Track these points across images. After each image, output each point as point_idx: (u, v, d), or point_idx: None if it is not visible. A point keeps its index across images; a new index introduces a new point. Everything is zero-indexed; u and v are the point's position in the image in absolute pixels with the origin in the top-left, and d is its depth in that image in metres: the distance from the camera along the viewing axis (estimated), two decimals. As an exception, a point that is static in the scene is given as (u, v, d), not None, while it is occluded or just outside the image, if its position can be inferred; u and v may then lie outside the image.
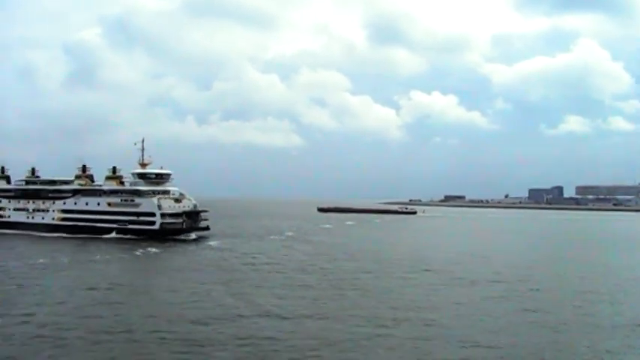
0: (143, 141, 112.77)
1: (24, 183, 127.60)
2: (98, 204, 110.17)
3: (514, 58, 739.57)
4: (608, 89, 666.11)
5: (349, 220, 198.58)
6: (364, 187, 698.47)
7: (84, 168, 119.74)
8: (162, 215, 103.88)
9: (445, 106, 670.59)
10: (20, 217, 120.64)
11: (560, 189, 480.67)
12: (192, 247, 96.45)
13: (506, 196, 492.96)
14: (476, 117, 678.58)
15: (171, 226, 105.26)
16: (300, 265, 75.59)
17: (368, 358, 35.79)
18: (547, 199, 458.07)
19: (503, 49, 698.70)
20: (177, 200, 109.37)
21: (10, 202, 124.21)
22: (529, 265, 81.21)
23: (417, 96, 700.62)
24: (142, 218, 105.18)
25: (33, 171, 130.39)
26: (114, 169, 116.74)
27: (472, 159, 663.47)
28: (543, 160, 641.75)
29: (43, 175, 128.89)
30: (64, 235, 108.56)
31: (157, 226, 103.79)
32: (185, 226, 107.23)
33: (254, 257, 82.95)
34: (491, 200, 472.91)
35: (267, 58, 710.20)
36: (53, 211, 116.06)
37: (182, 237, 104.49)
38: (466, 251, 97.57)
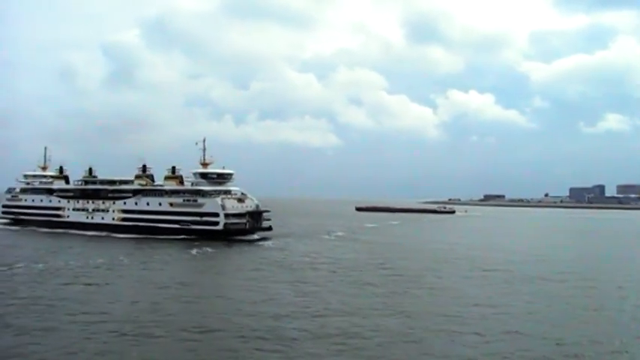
0: (204, 140, 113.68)
1: (83, 183, 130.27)
2: (160, 204, 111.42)
3: (552, 56, 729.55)
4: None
5: (391, 219, 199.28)
6: (401, 186, 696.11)
7: (144, 168, 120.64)
8: (226, 215, 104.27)
9: (482, 104, 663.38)
10: (79, 217, 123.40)
11: (601, 188, 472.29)
12: (246, 246, 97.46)
13: (546, 195, 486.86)
14: (513, 115, 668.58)
15: (235, 227, 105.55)
16: (358, 264, 76.77)
17: (454, 355, 36.67)
18: (588, 198, 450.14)
19: (541, 46, 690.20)
20: (240, 200, 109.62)
21: (69, 202, 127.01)
22: (589, 264, 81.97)
23: (454, 95, 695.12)
24: (205, 219, 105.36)
25: (90, 171, 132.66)
26: (173, 169, 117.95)
27: (510, 157, 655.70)
28: (582, 159, 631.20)
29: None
30: (124, 235, 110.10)
31: (220, 227, 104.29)
32: (248, 227, 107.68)
33: (312, 257, 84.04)
34: (532, 199, 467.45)
35: (305, 57, 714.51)
36: (113, 211, 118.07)
37: (245, 237, 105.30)
38: (520, 250, 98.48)
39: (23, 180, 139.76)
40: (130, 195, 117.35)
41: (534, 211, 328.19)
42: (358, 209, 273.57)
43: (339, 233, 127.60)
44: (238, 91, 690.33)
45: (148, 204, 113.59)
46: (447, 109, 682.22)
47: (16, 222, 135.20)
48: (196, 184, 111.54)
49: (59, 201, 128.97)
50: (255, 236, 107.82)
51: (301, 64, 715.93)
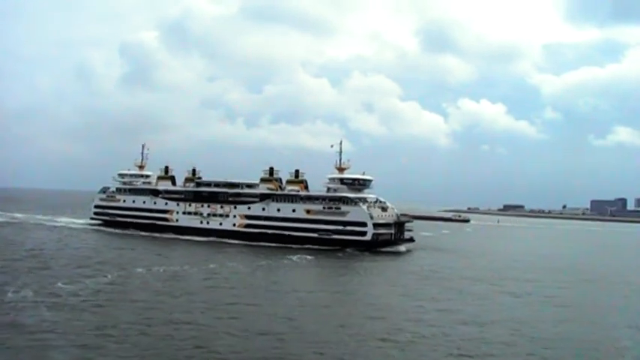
0: (341, 143, 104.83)
1: (195, 185, 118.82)
2: (293, 211, 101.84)
3: (564, 68, 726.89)
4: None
5: (442, 228, 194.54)
6: (413, 193, 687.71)
7: (271, 170, 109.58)
8: (375, 225, 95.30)
9: (494, 114, 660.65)
10: (191, 222, 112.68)
11: (624, 201, 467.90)
12: (340, 253, 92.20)
13: (564, 207, 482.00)
14: (524, 126, 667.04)
15: (383, 237, 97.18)
16: (487, 275, 74.49)
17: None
18: (611, 211, 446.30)
19: (553, 59, 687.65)
20: (383, 209, 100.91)
21: (178, 204, 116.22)
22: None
23: (465, 104, 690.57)
24: (349, 228, 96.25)
25: (194, 172, 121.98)
26: (297, 173, 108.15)
27: (521, 168, 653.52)
28: (595, 171, 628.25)
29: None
30: (245, 242, 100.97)
31: (368, 237, 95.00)
32: (393, 238, 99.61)
33: (426, 266, 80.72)
34: (552, 210, 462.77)
35: (320, 62, 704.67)
36: (234, 216, 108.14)
37: (392, 249, 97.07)
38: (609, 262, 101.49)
39: (119, 179, 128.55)
40: (256, 200, 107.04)
41: (562, 223, 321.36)
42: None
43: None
44: (252, 95, 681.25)
45: (278, 210, 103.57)
46: (457, 118, 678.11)
47: (109, 224, 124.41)
48: (334, 190, 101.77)
49: (166, 203, 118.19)
50: (402, 248, 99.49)
51: (316, 69, 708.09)
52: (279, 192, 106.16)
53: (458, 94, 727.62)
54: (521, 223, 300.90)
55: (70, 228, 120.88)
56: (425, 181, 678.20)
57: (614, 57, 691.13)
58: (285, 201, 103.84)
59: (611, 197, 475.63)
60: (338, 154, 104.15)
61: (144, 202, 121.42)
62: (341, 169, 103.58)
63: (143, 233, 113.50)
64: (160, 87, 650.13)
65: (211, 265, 71.32)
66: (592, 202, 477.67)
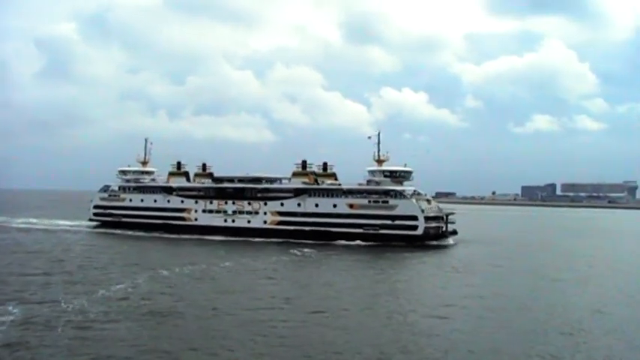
0: (379, 134, 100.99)
1: (213, 181, 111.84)
2: (334, 206, 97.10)
3: (484, 58, 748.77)
4: (574, 88, 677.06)
5: None
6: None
7: (304, 164, 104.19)
8: (426, 219, 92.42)
9: (416, 102, 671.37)
10: (213, 221, 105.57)
11: (553, 186, 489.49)
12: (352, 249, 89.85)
13: (494, 193, 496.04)
14: (445, 114, 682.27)
15: (434, 231, 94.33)
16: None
17: None
18: (542, 196, 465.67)
19: (474, 49, 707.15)
20: (428, 201, 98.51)
21: (196, 202, 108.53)
22: None
23: (388, 92, 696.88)
24: (398, 222, 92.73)
25: (204, 167, 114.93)
26: (325, 165, 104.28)
27: (445, 156, 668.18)
28: (519, 158, 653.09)
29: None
30: (276, 240, 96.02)
31: (419, 232, 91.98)
32: (440, 232, 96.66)
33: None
34: (484, 197, 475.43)
35: (244, 54, 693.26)
36: (265, 213, 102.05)
37: (441, 243, 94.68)
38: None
39: (121, 177, 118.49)
40: (290, 195, 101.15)
41: (501, 209, 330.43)
42: None
43: None
44: (175, 87, 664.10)
45: (317, 205, 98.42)
46: (380, 107, 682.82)
47: (113, 224, 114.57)
48: (376, 183, 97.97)
49: (182, 201, 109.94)
50: (451, 241, 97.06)
51: (240, 61, 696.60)
52: (316, 186, 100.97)
53: (381, 83, 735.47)
54: (460, 209, 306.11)
55: (62, 230, 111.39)
56: (350, 169, 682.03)
57: (531, 47, 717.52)
58: (323, 195, 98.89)
59: (538, 183, 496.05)
60: (376, 145, 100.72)
61: (155, 201, 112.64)
62: (380, 161, 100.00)
63: (147, 234, 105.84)
64: (78, 80, 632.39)
65: (227, 263, 69.87)
66: (523, 187, 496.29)
